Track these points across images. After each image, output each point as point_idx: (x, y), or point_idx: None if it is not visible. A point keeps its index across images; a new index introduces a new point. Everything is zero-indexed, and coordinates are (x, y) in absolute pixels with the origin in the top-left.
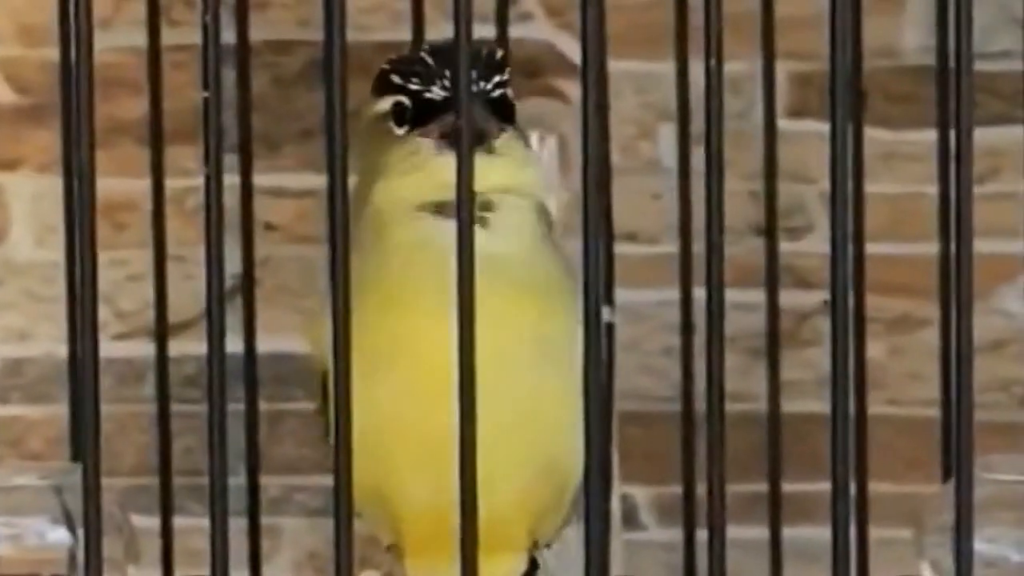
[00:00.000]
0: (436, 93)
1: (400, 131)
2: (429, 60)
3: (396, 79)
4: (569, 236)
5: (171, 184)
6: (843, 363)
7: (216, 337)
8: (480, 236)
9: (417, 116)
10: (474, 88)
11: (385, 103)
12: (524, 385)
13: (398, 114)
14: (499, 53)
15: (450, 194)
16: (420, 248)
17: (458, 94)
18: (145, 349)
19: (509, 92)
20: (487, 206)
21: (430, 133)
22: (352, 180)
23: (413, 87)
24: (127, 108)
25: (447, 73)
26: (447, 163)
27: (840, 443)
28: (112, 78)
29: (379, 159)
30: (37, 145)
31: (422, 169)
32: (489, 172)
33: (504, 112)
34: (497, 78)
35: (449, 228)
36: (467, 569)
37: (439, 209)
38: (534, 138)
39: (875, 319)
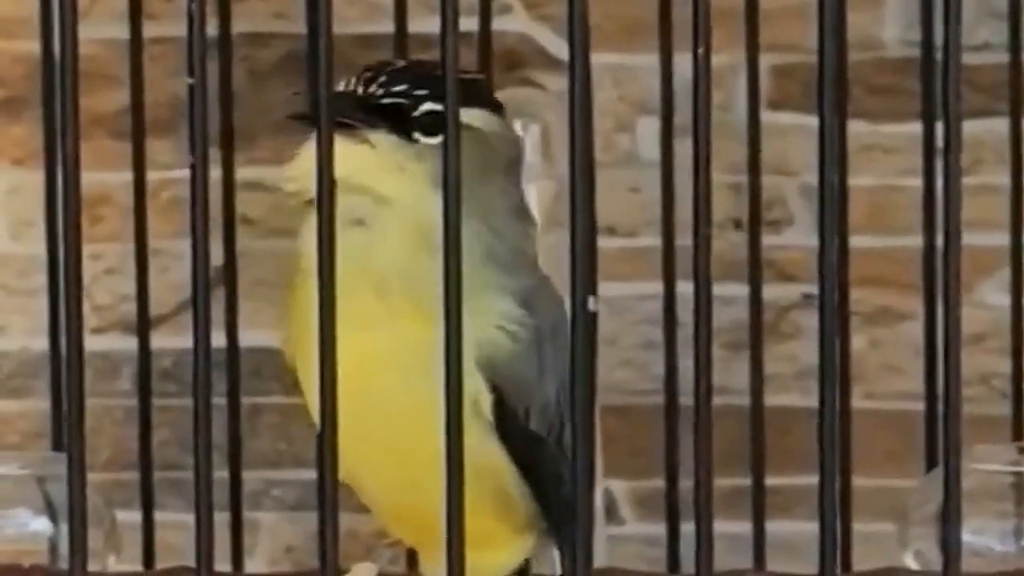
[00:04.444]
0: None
1: None
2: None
3: None
4: (554, 227)
5: (147, 177)
6: (831, 357)
7: (202, 332)
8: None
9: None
10: (360, 91)
11: None
12: (407, 390)
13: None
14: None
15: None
16: (305, 247)
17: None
18: (121, 343)
19: (426, 108)
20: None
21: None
22: None
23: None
24: (102, 101)
25: (364, 75)
26: (310, 142)
27: (828, 436)
28: (87, 71)
29: None
30: (12, 139)
31: (303, 150)
32: (346, 155)
33: (395, 120)
34: (404, 87)
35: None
36: (453, 563)
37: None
38: (516, 126)
39: (854, 312)
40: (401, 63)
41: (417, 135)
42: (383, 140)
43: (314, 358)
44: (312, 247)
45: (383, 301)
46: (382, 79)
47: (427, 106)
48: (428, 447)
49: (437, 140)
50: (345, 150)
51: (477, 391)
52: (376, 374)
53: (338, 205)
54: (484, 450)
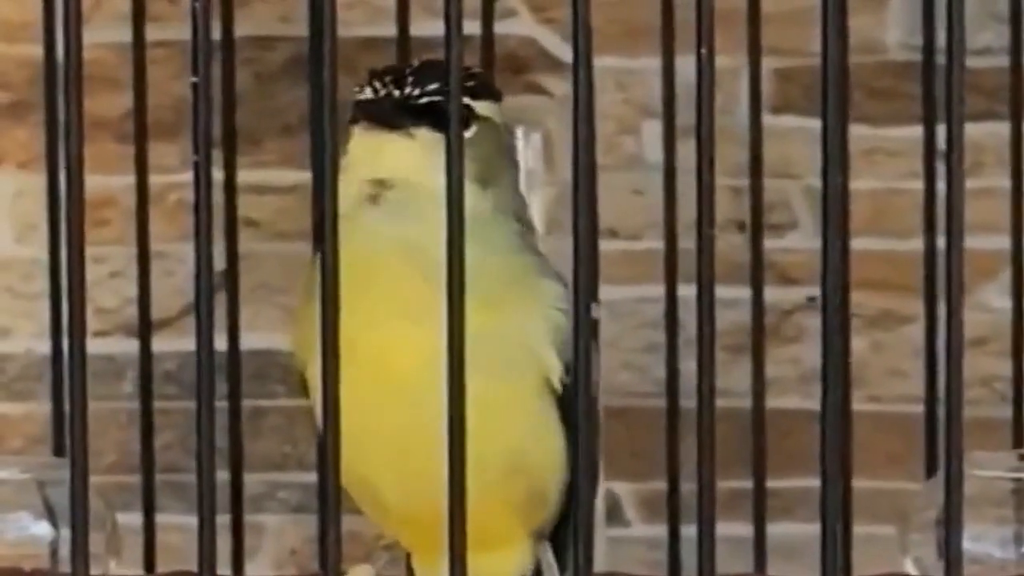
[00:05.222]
0: (366, 94)
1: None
2: (384, 68)
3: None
4: (555, 232)
5: (151, 180)
6: (834, 360)
7: (204, 336)
8: (377, 215)
9: (354, 116)
10: (396, 93)
11: None
12: (469, 384)
13: (351, 115)
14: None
15: (367, 168)
16: (354, 247)
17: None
18: (125, 346)
19: (468, 103)
20: (384, 185)
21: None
22: None
23: (355, 91)
24: (106, 104)
25: (386, 79)
26: (364, 139)
27: (831, 439)
28: (91, 74)
29: None
30: (17, 142)
31: (348, 157)
32: (395, 151)
33: (435, 118)
34: (437, 86)
35: (380, 224)
36: (455, 564)
37: (373, 199)
38: (519, 133)
39: (856, 315)
40: (415, 63)
41: (468, 128)
42: (428, 137)
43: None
44: (351, 251)
45: (436, 293)
46: (411, 79)
47: (470, 101)
48: (477, 441)
49: (470, 133)
50: (393, 146)
51: (550, 369)
52: (430, 367)
53: (390, 199)
54: (542, 433)
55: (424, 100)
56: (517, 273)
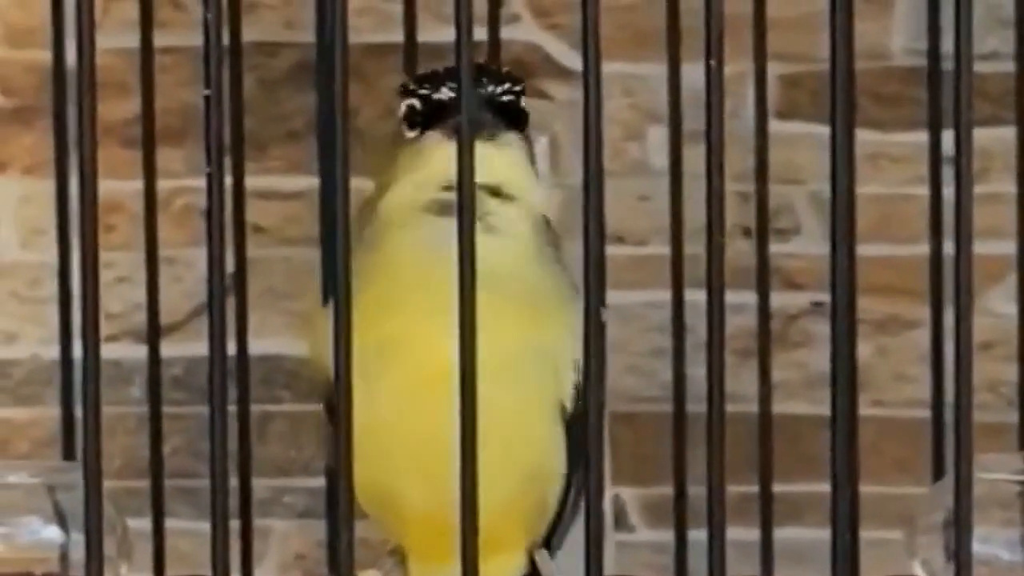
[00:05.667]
0: (444, 94)
1: (411, 134)
2: (440, 70)
3: (410, 85)
4: (562, 236)
5: (158, 186)
6: (844, 365)
7: (217, 341)
8: (479, 239)
9: (427, 119)
10: (481, 91)
11: (401, 108)
12: (506, 393)
13: (410, 117)
14: (507, 69)
15: (452, 181)
16: (416, 250)
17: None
18: (133, 351)
19: (523, 103)
20: (483, 203)
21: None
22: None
23: (423, 91)
24: (114, 109)
25: (438, 86)
26: (450, 152)
27: (840, 444)
28: (99, 79)
29: (392, 164)
30: (23, 147)
31: (427, 161)
32: (488, 161)
33: (511, 118)
34: (507, 86)
35: (448, 230)
36: (467, 570)
37: (441, 211)
38: None
39: (861, 320)
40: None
41: (526, 129)
42: (510, 138)
43: (365, 363)
44: (410, 255)
45: (491, 302)
46: (483, 79)
47: (523, 101)
48: (509, 450)
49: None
50: (489, 152)
51: (567, 390)
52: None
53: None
54: (556, 448)
55: (506, 99)
56: (555, 287)
